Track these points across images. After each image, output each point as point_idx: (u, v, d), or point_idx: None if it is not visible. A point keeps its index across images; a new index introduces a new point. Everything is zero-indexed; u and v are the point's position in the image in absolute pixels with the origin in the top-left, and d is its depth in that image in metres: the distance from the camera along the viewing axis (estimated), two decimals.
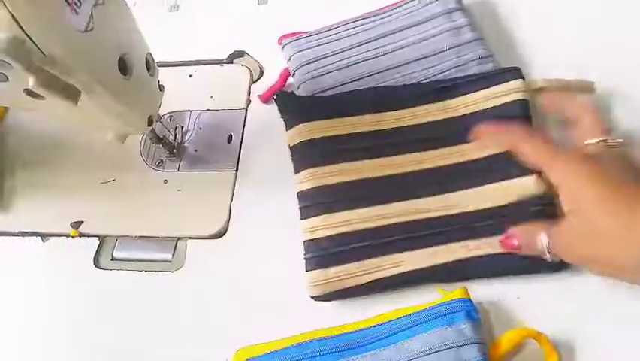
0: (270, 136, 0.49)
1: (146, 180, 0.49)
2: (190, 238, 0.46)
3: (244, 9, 0.57)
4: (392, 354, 0.35)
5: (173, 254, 0.46)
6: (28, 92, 0.33)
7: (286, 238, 0.43)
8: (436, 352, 0.34)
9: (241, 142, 0.49)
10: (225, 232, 0.45)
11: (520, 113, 0.41)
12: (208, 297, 0.43)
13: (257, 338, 0.38)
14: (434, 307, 0.36)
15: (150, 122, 0.41)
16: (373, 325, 0.37)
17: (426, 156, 0.41)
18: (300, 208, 0.42)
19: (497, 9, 0.51)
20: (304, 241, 0.41)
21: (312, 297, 0.40)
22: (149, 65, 0.40)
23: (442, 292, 0.37)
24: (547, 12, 0.50)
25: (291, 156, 0.44)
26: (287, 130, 0.45)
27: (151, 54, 0.41)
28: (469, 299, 0.36)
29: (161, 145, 0.48)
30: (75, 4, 0.30)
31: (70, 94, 0.31)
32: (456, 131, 0.42)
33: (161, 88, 0.43)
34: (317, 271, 0.39)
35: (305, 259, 0.40)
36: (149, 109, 0.41)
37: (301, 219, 0.42)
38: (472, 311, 0.35)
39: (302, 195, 0.42)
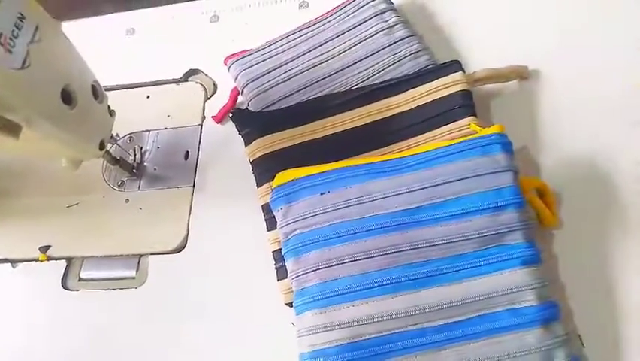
0: (224, 151, 0.51)
1: (109, 201, 0.51)
2: (151, 254, 0.48)
3: (197, 28, 0.59)
4: (430, 176, 0.37)
5: (137, 270, 0.47)
6: None
7: (245, 250, 0.45)
8: (472, 177, 0.36)
9: (197, 158, 0.51)
10: (184, 247, 0.47)
11: (464, 103, 0.42)
12: (171, 310, 0.45)
13: (224, 347, 0.41)
14: (471, 140, 0.38)
15: (102, 147, 0.43)
16: (412, 154, 0.39)
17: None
18: (266, 220, 0.43)
19: (426, 6, 0.53)
20: (273, 252, 0.42)
21: (286, 304, 0.41)
22: (96, 92, 0.42)
23: (475, 129, 0.40)
24: (475, 4, 0.52)
25: (253, 169, 0.46)
26: (246, 145, 0.46)
27: (97, 82, 0.42)
28: (505, 135, 0.38)
29: (119, 166, 0.50)
30: (8, 44, 0.32)
31: (12, 130, 0.33)
32: (403, 126, 0.43)
33: (111, 113, 0.45)
34: (289, 279, 0.39)
35: (275, 268, 0.42)
36: (100, 134, 0.42)
37: (267, 230, 0.43)
38: (507, 144, 0.38)
39: (267, 207, 0.43)
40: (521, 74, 0.46)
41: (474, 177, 0.36)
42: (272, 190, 0.40)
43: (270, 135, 0.44)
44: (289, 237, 0.39)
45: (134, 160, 0.52)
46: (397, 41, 0.47)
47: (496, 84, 0.46)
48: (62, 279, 0.49)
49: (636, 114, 0.43)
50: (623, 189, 0.41)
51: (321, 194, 0.38)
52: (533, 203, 0.38)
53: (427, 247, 0.36)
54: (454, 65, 0.43)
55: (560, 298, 0.37)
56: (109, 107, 0.44)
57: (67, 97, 0.38)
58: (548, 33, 0.48)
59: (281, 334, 0.40)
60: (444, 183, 0.37)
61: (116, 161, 0.49)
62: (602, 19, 0.48)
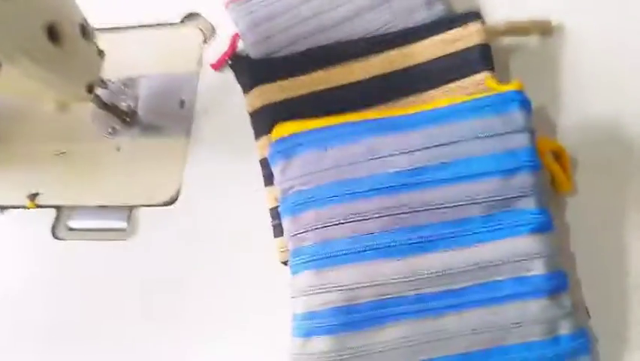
0: (223, 101, 0.48)
1: (99, 149, 0.49)
2: (143, 205, 0.46)
3: None
4: (439, 134, 0.35)
5: (128, 222, 0.46)
6: None
7: (240, 204, 0.43)
8: (484, 137, 0.34)
9: (193, 107, 0.48)
10: (177, 199, 0.45)
11: (482, 57, 0.39)
12: (163, 263, 0.43)
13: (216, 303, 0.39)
14: (487, 97, 0.35)
15: (90, 90, 0.40)
16: (422, 110, 0.36)
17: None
18: (264, 175, 0.41)
19: None
20: (270, 209, 0.40)
21: (282, 263, 0.39)
22: (85, 30, 0.39)
23: (492, 85, 0.37)
24: None
25: (251, 121, 0.43)
26: (245, 95, 0.43)
27: (86, 20, 0.39)
28: (524, 92, 0.35)
29: (110, 113, 0.47)
30: None
31: None
32: (415, 79, 0.40)
33: (101, 54, 0.42)
34: (285, 237, 0.38)
35: (272, 225, 0.40)
36: (87, 76, 0.40)
37: (265, 186, 0.41)
38: (525, 102, 0.35)
39: (265, 162, 0.40)
40: (544, 29, 0.43)
41: (487, 137, 0.34)
42: (270, 144, 0.38)
43: (270, 84, 0.41)
44: (287, 194, 0.36)
45: (127, 107, 0.49)
46: None
47: (517, 39, 0.43)
48: (52, 228, 0.47)
49: None
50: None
51: (324, 150, 0.36)
52: (549, 166, 0.36)
53: (431, 209, 0.34)
54: (473, 16, 0.40)
55: (569, 268, 0.36)
56: (98, 47, 0.41)
57: (52, 33, 0.35)
58: None
59: (275, 293, 0.38)
60: (454, 142, 0.34)
61: (106, 106, 0.46)
62: None
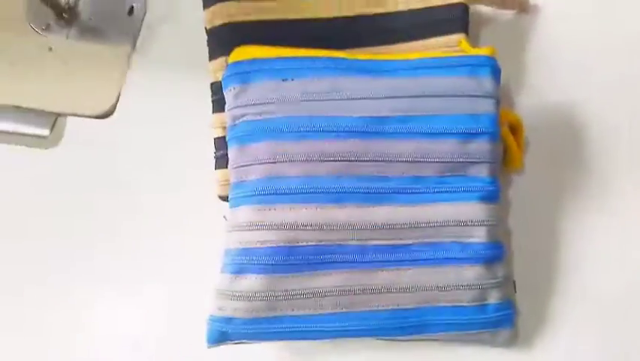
0: (177, 13, 0.44)
1: (28, 45, 0.43)
2: (71, 114, 0.41)
3: None
4: (407, 85, 0.33)
5: (51, 130, 0.41)
6: None
7: (182, 128, 0.40)
8: (451, 96, 0.33)
9: (143, 15, 0.44)
10: (112, 113, 0.41)
11: (460, 16, 0.38)
12: (84, 180, 0.40)
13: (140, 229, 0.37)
14: (461, 57, 0.35)
15: None
16: (394, 58, 0.35)
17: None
18: (213, 101, 0.38)
19: None
20: (215, 138, 0.38)
21: (220, 197, 0.37)
22: None
23: (465, 47, 0.36)
24: None
25: (208, 39, 0.39)
26: (204, 9, 0.39)
27: None
28: (495, 59, 0.35)
29: (47, 5, 0.42)
30: None
31: None
32: (390, 28, 0.39)
33: None
34: (229, 169, 0.35)
35: (215, 156, 0.37)
36: None
37: (213, 112, 0.38)
38: (496, 70, 0.34)
39: (217, 86, 0.37)
40: (522, 5, 0.42)
41: (453, 96, 0.33)
42: (226, 66, 0.35)
43: (236, 2, 0.38)
44: (237, 122, 0.34)
45: (67, 2, 0.44)
46: None
47: (493, 11, 0.42)
48: None
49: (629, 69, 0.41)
50: (591, 144, 0.39)
51: (283, 80, 0.33)
52: (506, 138, 0.36)
53: (386, 161, 0.32)
54: None
55: (505, 242, 0.36)
56: None
57: None
58: None
59: (209, 227, 0.36)
60: (420, 96, 0.33)
61: None
62: None
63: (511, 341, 0.34)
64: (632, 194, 0.38)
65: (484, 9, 0.42)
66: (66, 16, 0.43)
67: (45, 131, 0.41)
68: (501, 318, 0.33)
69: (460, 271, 0.32)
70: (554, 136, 0.40)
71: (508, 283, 0.34)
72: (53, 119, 0.41)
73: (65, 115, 0.41)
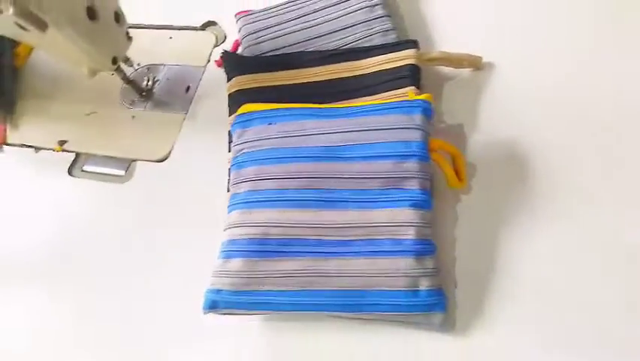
0: (218, 90, 0.60)
1: (119, 116, 0.62)
2: (140, 160, 0.58)
3: None
4: (355, 123, 0.45)
5: (126, 171, 0.58)
6: (19, 26, 0.45)
7: (213, 166, 0.54)
8: (387, 129, 0.44)
9: (195, 92, 0.61)
10: (167, 158, 0.57)
11: (410, 75, 0.49)
12: (147, 206, 0.55)
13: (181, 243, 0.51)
14: (400, 102, 0.46)
15: (114, 62, 0.53)
16: (350, 105, 0.47)
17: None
18: (229, 143, 0.52)
19: None
20: (228, 169, 0.50)
21: None
22: (118, 17, 0.52)
23: (411, 96, 0.46)
24: None
25: (228, 101, 0.55)
26: (227, 82, 0.55)
27: (121, 9, 0.53)
28: (429, 102, 0.45)
29: (132, 87, 0.60)
30: None
31: (40, 25, 0.43)
32: (360, 86, 0.51)
33: (129, 38, 0.55)
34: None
35: (228, 181, 0.50)
36: (114, 51, 0.53)
37: (229, 151, 0.52)
38: (428, 110, 0.45)
39: (231, 135, 0.52)
40: (475, 64, 0.53)
41: (390, 129, 0.44)
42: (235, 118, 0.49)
43: (247, 75, 0.53)
44: (237, 154, 0.47)
45: (146, 85, 0.62)
46: (374, 19, 0.55)
47: (453, 70, 0.53)
48: (69, 168, 0.59)
49: (567, 114, 0.49)
50: (525, 169, 0.47)
51: (269, 124, 0.47)
52: (438, 161, 0.45)
53: (339, 178, 0.43)
54: (410, 43, 0.51)
55: (449, 249, 0.44)
56: (127, 32, 0.55)
57: (91, 13, 0.48)
58: (516, 35, 0.55)
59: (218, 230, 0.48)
60: (364, 130, 0.44)
61: (128, 80, 0.59)
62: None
63: (445, 325, 0.41)
64: (561, 203, 0.45)
65: (447, 70, 0.53)
66: (144, 95, 0.62)
67: (122, 172, 0.58)
68: (433, 303, 0.40)
69: (395, 262, 0.41)
70: (499, 166, 0.48)
71: (438, 274, 0.42)
72: (128, 163, 0.58)
73: (136, 160, 0.58)
